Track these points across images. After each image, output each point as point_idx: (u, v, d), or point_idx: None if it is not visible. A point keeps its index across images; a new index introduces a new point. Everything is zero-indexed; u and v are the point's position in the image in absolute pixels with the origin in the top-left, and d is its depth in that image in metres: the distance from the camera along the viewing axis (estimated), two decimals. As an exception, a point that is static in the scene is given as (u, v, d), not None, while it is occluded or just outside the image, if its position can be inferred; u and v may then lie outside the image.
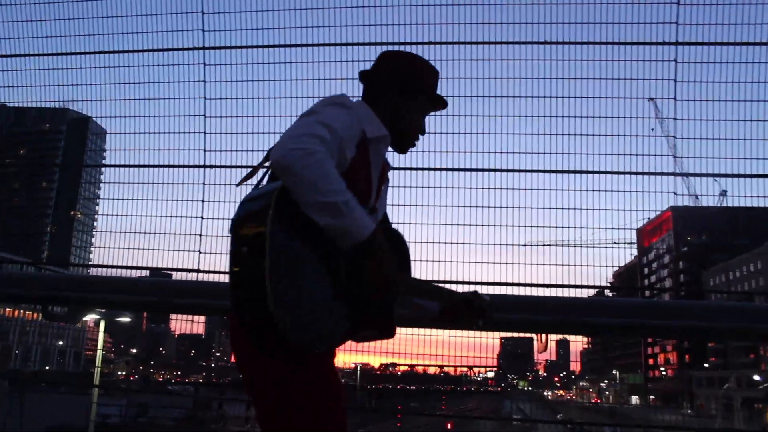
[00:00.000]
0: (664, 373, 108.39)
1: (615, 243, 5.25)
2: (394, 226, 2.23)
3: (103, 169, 5.69)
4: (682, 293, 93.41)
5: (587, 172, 4.62)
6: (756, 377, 73.84)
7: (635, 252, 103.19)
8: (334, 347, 1.87)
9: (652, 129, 4.72)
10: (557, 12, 4.77)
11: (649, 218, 5.13)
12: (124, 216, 5.07)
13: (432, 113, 2.22)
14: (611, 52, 4.71)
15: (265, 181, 1.92)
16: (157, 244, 4.88)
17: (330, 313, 1.70)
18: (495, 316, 3.94)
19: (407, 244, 2.17)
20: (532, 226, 4.62)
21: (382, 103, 2.08)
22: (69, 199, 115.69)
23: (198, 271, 4.71)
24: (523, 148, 4.69)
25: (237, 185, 2.11)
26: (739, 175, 4.55)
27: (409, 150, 2.18)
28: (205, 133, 5.07)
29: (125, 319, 17.95)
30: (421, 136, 2.18)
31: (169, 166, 5.12)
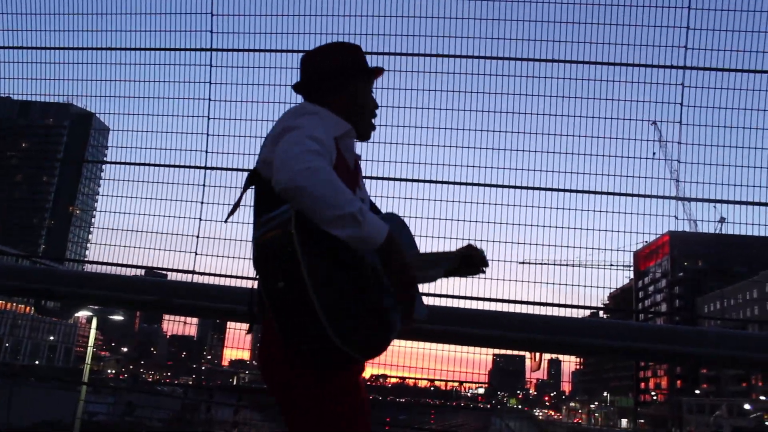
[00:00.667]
0: (654, 397, 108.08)
1: (612, 265, 5.25)
2: None
3: (103, 166, 5.69)
4: (677, 318, 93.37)
5: (587, 192, 4.63)
6: (747, 406, 73.66)
7: (631, 275, 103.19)
8: (382, 351, 1.88)
9: (654, 153, 4.72)
10: (567, 31, 4.79)
11: (646, 241, 5.14)
12: (122, 214, 5.06)
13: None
14: (619, 73, 4.73)
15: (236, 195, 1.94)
16: (154, 243, 4.87)
17: (377, 318, 1.75)
18: (491, 333, 3.94)
19: (403, 219, 2.21)
20: (530, 244, 4.62)
21: (332, 101, 2.10)
22: (68, 195, 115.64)
23: (193, 272, 4.70)
24: (524, 165, 4.71)
25: (225, 221, 2.12)
26: (738, 202, 4.55)
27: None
28: (207, 134, 5.07)
29: (118, 318, 17.90)
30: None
31: (169, 165, 5.12)
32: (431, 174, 4.76)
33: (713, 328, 5.20)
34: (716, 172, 4.55)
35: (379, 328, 1.76)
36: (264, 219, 1.81)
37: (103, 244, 4.97)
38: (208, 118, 5.08)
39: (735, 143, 4.55)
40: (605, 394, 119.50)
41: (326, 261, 1.69)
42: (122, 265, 4.85)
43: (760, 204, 4.52)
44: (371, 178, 4.66)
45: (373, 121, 2.22)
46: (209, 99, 5.11)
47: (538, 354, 3.69)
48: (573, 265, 4.71)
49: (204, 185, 4.98)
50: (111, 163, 5.34)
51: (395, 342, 4.30)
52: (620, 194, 4.60)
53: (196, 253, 4.74)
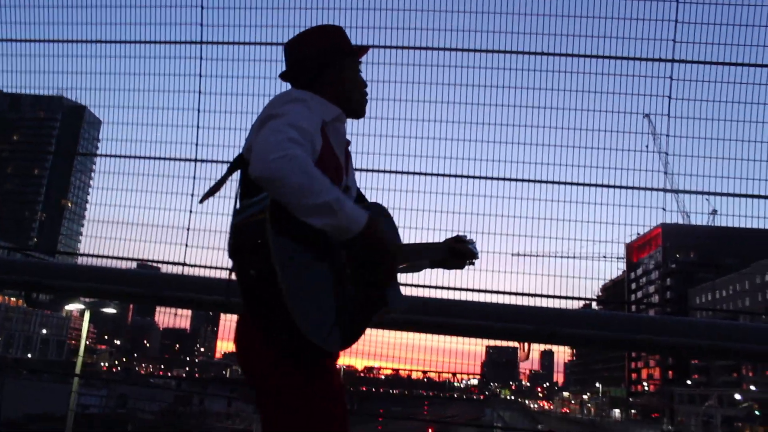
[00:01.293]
0: (646, 387, 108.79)
1: (604, 257, 5.27)
2: None
3: (95, 159, 5.67)
4: (668, 310, 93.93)
5: (580, 184, 4.64)
6: (737, 396, 74.24)
7: (623, 266, 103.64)
8: (352, 343, 1.87)
9: (646, 146, 4.73)
10: (555, 24, 4.78)
11: (639, 234, 5.17)
12: (114, 206, 5.05)
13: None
14: (608, 66, 4.73)
15: (231, 187, 1.94)
16: (146, 235, 4.86)
17: (346, 309, 1.75)
18: (482, 323, 3.95)
19: (388, 210, 2.22)
20: (523, 236, 4.62)
21: (319, 86, 2.09)
22: (60, 188, 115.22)
23: (184, 264, 4.69)
24: (516, 158, 4.71)
25: (200, 202, 2.12)
26: (730, 195, 4.57)
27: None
28: (198, 127, 5.05)
29: (110, 310, 17.87)
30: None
31: (160, 158, 5.10)
32: (423, 166, 4.76)
33: (704, 319, 5.23)
34: (706, 165, 4.57)
35: (348, 321, 1.76)
36: (242, 205, 1.81)
37: (94, 236, 4.96)
38: (199, 111, 5.07)
39: (724, 136, 4.56)
40: (597, 384, 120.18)
41: (298, 251, 1.69)
42: (114, 258, 4.83)
43: (751, 196, 4.54)
44: (363, 170, 4.65)
45: (365, 97, 2.21)
46: (199, 92, 5.10)
47: (526, 344, 3.71)
48: (565, 257, 4.73)
49: (194, 177, 4.96)
50: (102, 155, 5.32)
51: (389, 334, 4.32)
52: (612, 186, 4.61)
53: (187, 245, 4.73)
